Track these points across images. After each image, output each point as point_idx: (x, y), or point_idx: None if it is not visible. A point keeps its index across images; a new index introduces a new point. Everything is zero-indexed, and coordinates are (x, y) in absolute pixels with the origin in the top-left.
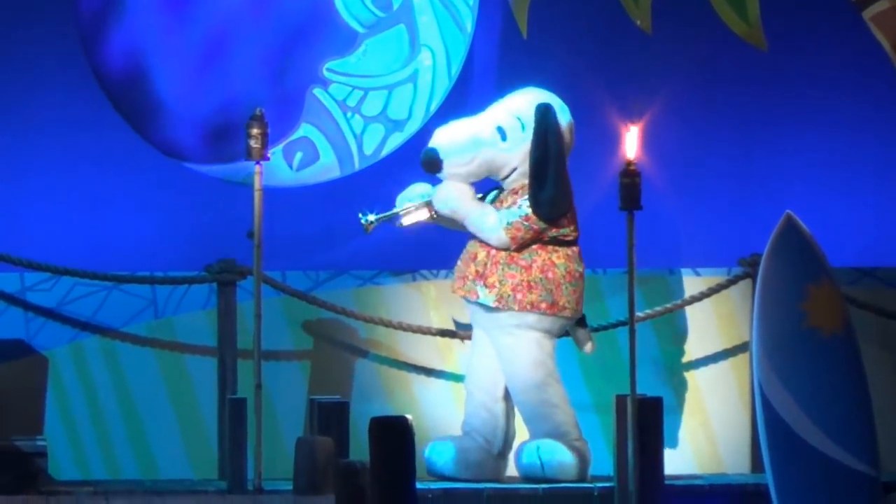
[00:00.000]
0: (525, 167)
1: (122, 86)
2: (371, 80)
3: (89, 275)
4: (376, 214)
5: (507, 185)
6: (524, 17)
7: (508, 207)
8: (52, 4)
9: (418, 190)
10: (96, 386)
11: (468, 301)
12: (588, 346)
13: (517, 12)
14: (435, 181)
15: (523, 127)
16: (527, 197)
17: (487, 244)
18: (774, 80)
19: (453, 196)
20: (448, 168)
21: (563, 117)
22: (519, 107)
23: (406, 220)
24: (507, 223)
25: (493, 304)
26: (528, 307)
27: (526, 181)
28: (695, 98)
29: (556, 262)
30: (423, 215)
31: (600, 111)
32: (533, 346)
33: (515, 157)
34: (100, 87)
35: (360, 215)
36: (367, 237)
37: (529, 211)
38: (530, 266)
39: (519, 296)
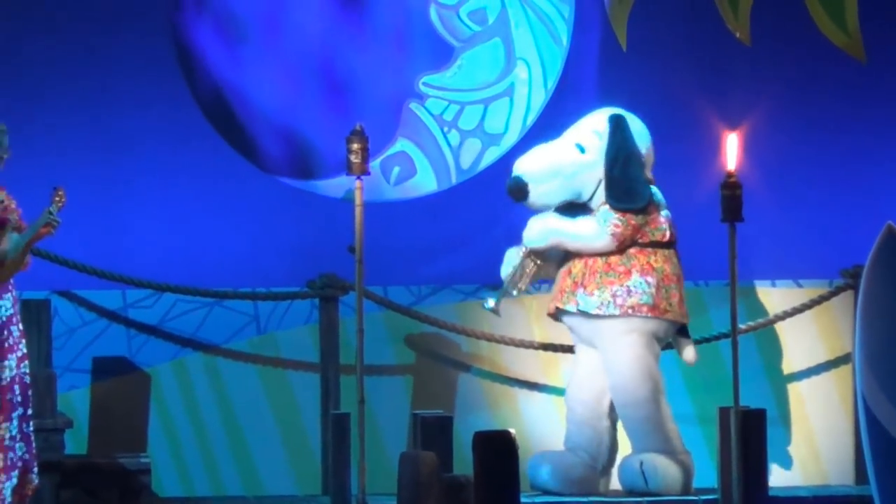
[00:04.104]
0: None
1: (219, 103)
2: (467, 94)
3: (191, 291)
4: (495, 298)
5: (595, 203)
6: (623, 30)
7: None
8: (149, 23)
9: (511, 254)
10: (199, 402)
11: (567, 314)
12: (690, 354)
13: (616, 25)
14: (521, 213)
15: (601, 138)
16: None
17: (593, 251)
18: (875, 91)
19: (540, 226)
20: (535, 192)
21: (643, 136)
22: (595, 122)
23: (521, 284)
24: (605, 222)
25: (594, 312)
26: (630, 311)
27: None
28: (795, 109)
29: (654, 265)
30: (529, 269)
31: (700, 122)
32: (641, 356)
33: (597, 170)
34: (197, 105)
35: (483, 306)
36: (468, 253)
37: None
38: (629, 271)
39: (619, 300)
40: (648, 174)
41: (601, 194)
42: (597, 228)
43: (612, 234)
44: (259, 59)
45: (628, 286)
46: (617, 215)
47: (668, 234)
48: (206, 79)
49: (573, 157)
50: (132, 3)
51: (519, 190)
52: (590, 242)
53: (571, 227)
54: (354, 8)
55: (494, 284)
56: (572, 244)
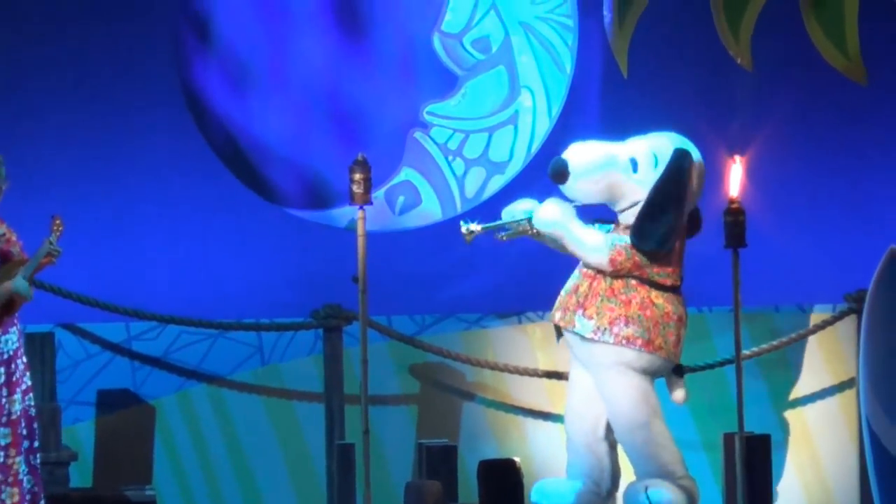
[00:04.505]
0: None
1: (224, 133)
2: (472, 123)
3: (195, 323)
4: (478, 224)
5: (623, 218)
6: (624, 57)
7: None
8: (155, 55)
9: (523, 206)
10: (204, 434)
11: (566, 331)
12: (679, 396)
13: (617, 52)
14: (553, 193)
15: (656, 163)
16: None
17: (586, 263)
18: (876, 113)
19: (554, 214)
20: (573, 181)
21: (699, 173)
22: (658, 145)
23: (507, 234)
24: (612, 244)
25: (588, 335)
26: (624, 342)
27: None
28: (797, 133)
29: (655, 301)
30: (525, 230)
31: (703, 148)
32: (633, 384)
33: (640, 191)
34: (203, 135)
35: (462, 223)
36: (472, 281)
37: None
38: (629, 301)
39: (615, 329)
40: (683, 217)
41: (630, 214)
42: (601, 245)
43: (611, 259)
44: (265, 94)
45: (627, 316)
46: (625, 244)
47: (669, 281)
48: (213, 114)
49: (624, 168)
50: (138, 46)
51: (560, 174)
52: (588, 254)
53: (578, 231)
54: (358, 39)
55: (498, 313)
56: (572, 246)
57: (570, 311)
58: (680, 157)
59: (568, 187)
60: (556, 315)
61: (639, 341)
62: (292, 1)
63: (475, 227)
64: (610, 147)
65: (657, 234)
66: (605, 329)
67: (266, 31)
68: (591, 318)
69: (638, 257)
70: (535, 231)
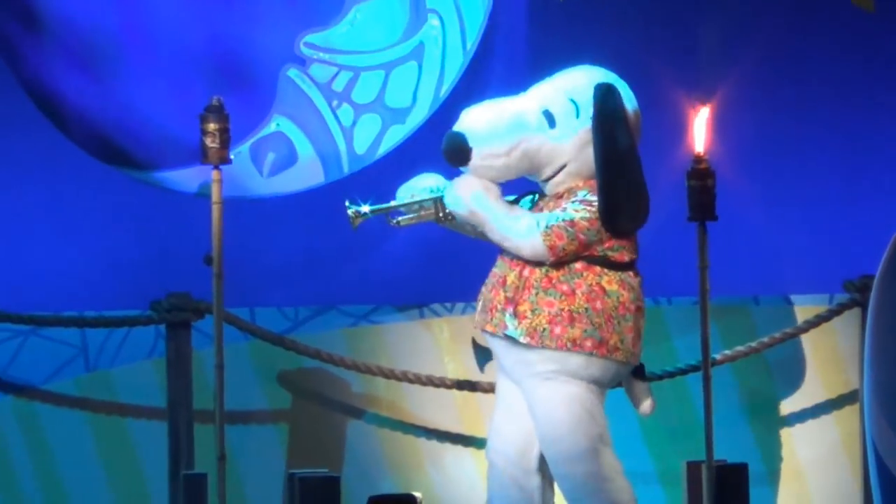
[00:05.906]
0: (577, 164)
1: (44, 76)
2: (363, 58)
3: (0, 317)
4: (370, 205)
5: (550, 187)
6: None
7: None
8: None
9: (427, 182)
10: (12, 458)
11: (492, 338)
12: (646, 405)
13: None
14: (455, 175)
15: (577, 111)
16: (574, 200)
17: (517, 256)
18: (887, 49)
19: (472, 192)
20: (478, 158)
21: (629, 104)
22: (572, 86)
23: (405, 219)
24: (546, 227)
25: (522, 340)
26: (569, 345)
27: (574, 183)
28: (783, 75)
29: (607, 288)
30: (429, 215)
31: (660, 91)
32: (577, 400)
33: (566, 149)
34: (17, 80)
35: (348, 204)
36: (362, 265)
37: (576, 216)
38: (573, 292)
39: (557, 330)
40: (641, 168)
41: (559, 182)
42: (533, 230)
43: (550, 247)
44: (119, 60)
45: (571, 311)
46: (565, 223)
47: (626, 255)
48: (29, 52)
49: (538, 126)
50: None
51: (459, 150)
52: (518, 243)
53: (503, 214)
54: None
55: (395, 304)
56: (497, 235)
57: (499, 311)
58: (605, 94)
59: (474, 166)
60: (480, 318)
61: (588, 343)
62: None
63: (365, 208)
64: (512, 103)
65: (630, 207)
66: (545, 330)
67: None
68: (524, 316)
69: (584, 235)
70: (444, 215)
